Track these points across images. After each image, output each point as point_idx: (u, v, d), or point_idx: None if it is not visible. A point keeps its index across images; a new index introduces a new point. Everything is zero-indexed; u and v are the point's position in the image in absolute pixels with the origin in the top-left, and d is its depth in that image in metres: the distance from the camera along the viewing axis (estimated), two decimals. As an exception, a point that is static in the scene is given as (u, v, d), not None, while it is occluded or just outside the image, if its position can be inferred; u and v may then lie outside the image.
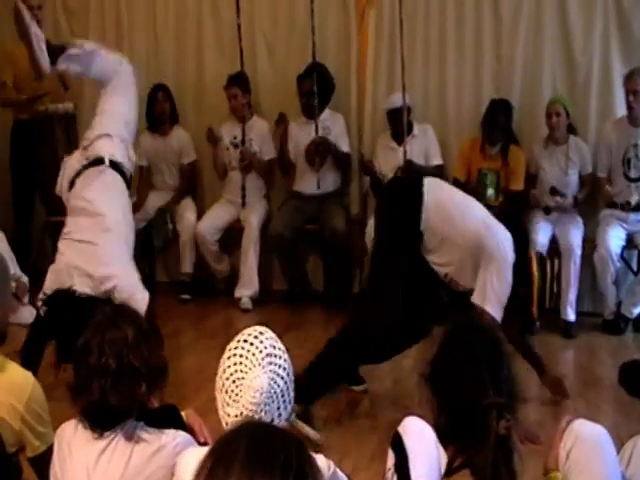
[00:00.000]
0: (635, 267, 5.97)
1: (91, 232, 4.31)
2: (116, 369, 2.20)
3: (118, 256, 4.33)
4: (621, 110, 5.91)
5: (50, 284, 4.21)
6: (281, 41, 6.64)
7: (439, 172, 6.03)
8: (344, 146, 6.39)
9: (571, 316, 5.65)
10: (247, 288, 6.20)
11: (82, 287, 4.11)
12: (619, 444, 2.37)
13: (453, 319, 2.26)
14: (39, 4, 6.46)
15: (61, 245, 4.45)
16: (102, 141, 4.57)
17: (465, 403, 1.95)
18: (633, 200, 5.70)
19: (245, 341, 2.13)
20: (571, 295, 5.64)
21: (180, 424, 2.46)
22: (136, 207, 6.38)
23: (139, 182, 6.66)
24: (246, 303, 6.15)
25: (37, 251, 6.73)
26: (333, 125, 6.35)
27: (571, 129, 5.93)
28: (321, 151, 6.22)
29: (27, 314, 5.60)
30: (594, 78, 6.06)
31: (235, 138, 6.41)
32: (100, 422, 2.24)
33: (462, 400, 1.96)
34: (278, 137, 6.53)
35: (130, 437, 2.23)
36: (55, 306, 4.10)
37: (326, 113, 6.33)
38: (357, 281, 6.50)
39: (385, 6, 6.32)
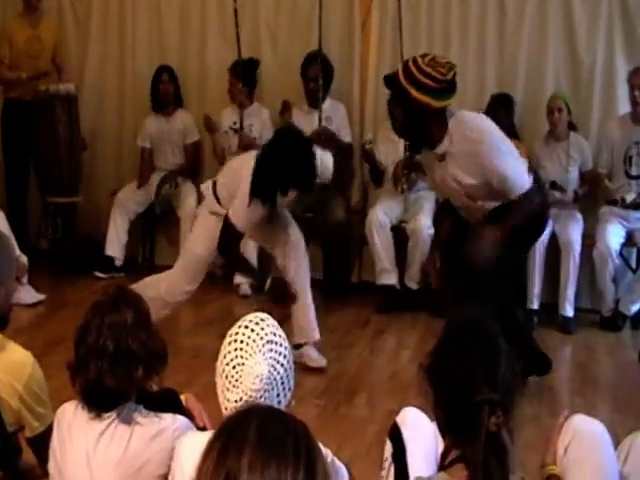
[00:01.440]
0: (634, 265, 5.97)
1: None
2: (113, 351, 2.20)
3: None
4: (623, 108, 5.92)
5: None
6: (284, 30, 6.62)
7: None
8: (346, 136, 6.39)
9: (569, 312, 5.65)
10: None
11: None
12: (616, 441, 2.38)
13: (454, 313, 2.25)
14: None
15: None
16: None
17: (458, 399, 1.94)
18: (629, 197, 5.69)
19: (246, 327, 2.13)
20: (570, 291, 5.64)
21: (179, 408, 2.46)
22: (140, 185, 6.45)
23: (141, 164, 6.68)
24: (245, 289, 6.15)
25: (35, 232, 6.74)
26: (335, 115, 6.35)
27: (572, 126, 5.92)
28: (323, 141, 6.20)
29: (26, 294, 5.62)
30: (597, 75, 6.05)
31: (235, 124, 6.39)
32: (97, 402, 2.24)
33: (456, 395, 1.95)
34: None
35: (129, 420, 2.23)
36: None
37: (328, 103, 6.31)
38: (356, 270, 6.51)
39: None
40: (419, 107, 3.80)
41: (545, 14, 6.10)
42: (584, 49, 6.08)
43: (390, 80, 3.96)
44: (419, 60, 3.85)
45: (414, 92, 3.77)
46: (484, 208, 4.11)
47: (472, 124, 3.94)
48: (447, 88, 3.82)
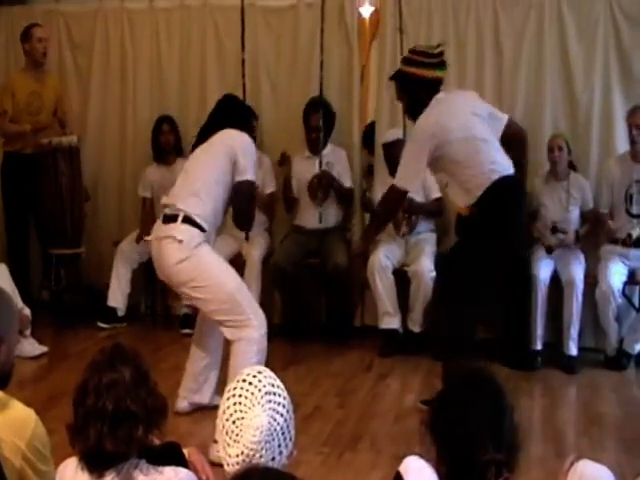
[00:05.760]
0: (637, 303, 5.96)
1: None
2: (112, 413, 2.17)
3: None
4: (622, 146, 5.94)
5: None
6: (284, 78, 6.68)
7: (439, 205, 6.11)
8: (347, 181, 6.43)
9: (573, 351, 5.63)
10: (248, 322, 6.18)
11: None
12: (623, 483, 2.37)
13: (455, 366, 2.23)
14: (47, 36, 6.58)
15: None
16: None
17: (464, 457, 1.93)
18: (635, 233, 5.69)
19: (244, 381, 2.14)
20: (573, 330, 5.62)
21: (182, 462, 2.44)
22: (139, 239, 6.44)
23: (143, 214, 6.69)
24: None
25: (37, 284, 6.74)
26: (336, 161, 6.38)
27: (572, 166, 5.95)
28: (324, 185, 6.25)
29: (28, 347, 5.62)
30: (595, 115, 6.08)
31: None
32: (98, 465, 2.22)
33: (461, 453, 1.94)
34: (282, 176, 6.56)
35: (131, 477, 2.21)
36: None
37: (328, 148, 6.36)
38: (358, 314, 6.50)
39: (387, 41, 6.37)
40: (417, 81, 4.50)
41: (542, 54, 6.15)
42: (581, 88, 6.11)
43: (395, 75, 4.67)
44: (414, 47, 4.76)
45: (412, 69, 4.50)
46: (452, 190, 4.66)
47: (427, 113, 4.47)
48: (437, 63, 4.51)
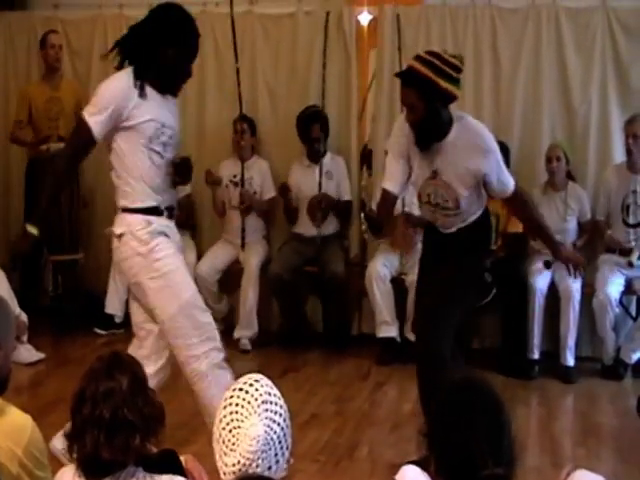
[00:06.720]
0: (634, 312, 5.98)
1: None
2: (110, 422, 2.17)
3: None
4: (619, 157, 5.97)
5: None
6: (282, 86, 6.69)
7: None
8: (345, 193, 6.46)
9: (570, 361, 5.64)
10: (246, 329, 6.19)
11: None
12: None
13: (453, 378, 2.21)
14: (60, 44, 6.61)
15: None
16: None
17: (463, 470, 1.93)
18: (634, 259, 5.66)
19: (240, 389, 2.14)
20: (570, 340, 5.63)
21: (179, 470, 2.44)
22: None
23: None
24: (245, 344, 6.15)
25: (36, 290, 6.74)
26: (335, 170, 6.39)
27: (570, 176, 5.96)
28: (324, 207, 6.27)
29: (26, 353, 5.62)
30: (592, 126, 6.10)
31: (235, 177, 6.42)
32: (95, 473, 2.22)
33: (460, 467, 1.94)
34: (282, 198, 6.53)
35: None
36: None
37: (328, 157, 6.38)
38: (356, 323, 6.50)
39: (386, 50, 6.38)
40: (445, 97, 3.83)
41: (539, 65, 6.17)
42: (579, 99, 6.14)
43: (408, 76, 3.86)
44: (440, 54, 3.89)
45: (443, 82, 3.77)
46: (462, 216, 4.05)
47: (476, 124, 4.00)
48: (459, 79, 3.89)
